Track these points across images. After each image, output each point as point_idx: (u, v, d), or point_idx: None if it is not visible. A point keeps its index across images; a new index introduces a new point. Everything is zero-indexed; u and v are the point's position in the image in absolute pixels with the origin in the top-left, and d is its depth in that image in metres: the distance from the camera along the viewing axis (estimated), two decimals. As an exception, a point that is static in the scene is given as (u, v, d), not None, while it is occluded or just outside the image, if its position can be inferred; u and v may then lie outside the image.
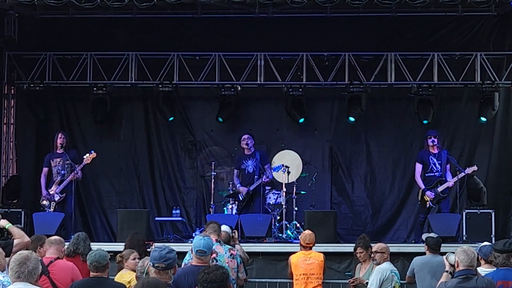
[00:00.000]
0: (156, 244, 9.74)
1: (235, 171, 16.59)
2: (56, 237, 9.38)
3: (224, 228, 10.93)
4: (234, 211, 16.06)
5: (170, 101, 17.65)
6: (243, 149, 16.49)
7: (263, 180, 16.05)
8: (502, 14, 17.09)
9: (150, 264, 6.90)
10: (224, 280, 6.01)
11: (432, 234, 10.92)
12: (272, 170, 16.28)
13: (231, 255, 9.66)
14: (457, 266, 7.74)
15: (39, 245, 9.54)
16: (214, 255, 9.62)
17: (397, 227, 17.60)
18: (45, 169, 16.23)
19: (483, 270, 8.41)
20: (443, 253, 8.65)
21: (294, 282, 11.31)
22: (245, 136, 16.42)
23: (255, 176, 16.23)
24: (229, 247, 9.80)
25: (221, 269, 6.07)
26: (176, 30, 17.98)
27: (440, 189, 15.67)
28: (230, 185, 16.53)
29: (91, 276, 8.07)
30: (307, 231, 11.69)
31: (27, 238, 9.01)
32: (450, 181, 15.67)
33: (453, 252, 8.10)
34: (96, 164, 16.58)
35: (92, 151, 15.95)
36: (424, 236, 10.87)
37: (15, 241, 8.73)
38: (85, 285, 8.02)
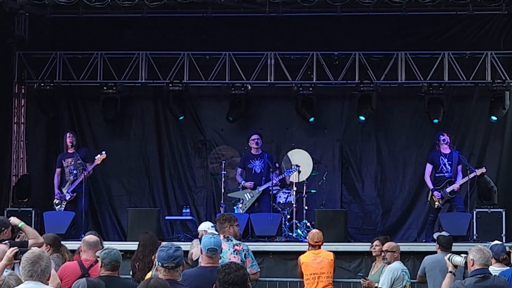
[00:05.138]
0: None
1: (239, 169, 16.53)
2: (94, 238, 8.91)
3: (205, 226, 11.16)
4: (241, 210, 16.04)
5: (180, 100, 17.64)
6: (251, 148, 16.47)
7: (275, 181, 16.00)
8: (513, 13, 17.08)
9: (158, 264, 6.87)
10: (245, 282, 5.93)
11: (443, 233, 10.92)
12: (282, 175, 16.26)
13: (234, 250, 9.50)
14: (472, 265, 7.68)
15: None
16: None
17: (407, 226, 17.56)
18: (57, 170, 16.27)
19: (494, 269, 8.39)
20: (455, 252, 8.63)
21: (304, 282, 11.30)
22: (256, 136, 16.41)
23: (263, 178, 16.20)
24: (236, 242, 9.65)
25: (242, 270, 5.96)
26: (186, 29, 17.97)
27: (448, 189, 15.64)
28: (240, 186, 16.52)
29: (101, 275, 7.98)
30: (315, 230, 11.74)
31: (41, 239, 8.99)
32: (457, 183, 15.64)
33: (458, 254, 8.10)
34: (106, 163, 16.55)
35: (103, 152, 15.97)
36: (435, 235, 10.86)
37: (30, 242, 8.70)
38: (97, 284, 7.96)
